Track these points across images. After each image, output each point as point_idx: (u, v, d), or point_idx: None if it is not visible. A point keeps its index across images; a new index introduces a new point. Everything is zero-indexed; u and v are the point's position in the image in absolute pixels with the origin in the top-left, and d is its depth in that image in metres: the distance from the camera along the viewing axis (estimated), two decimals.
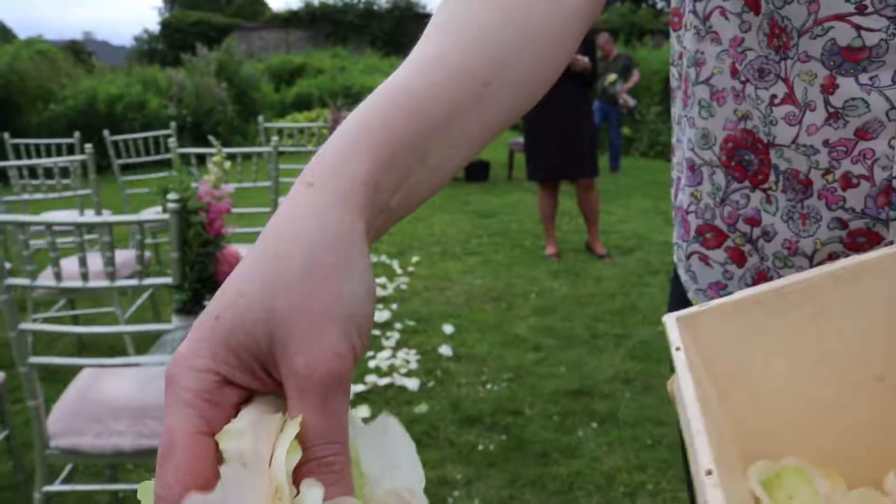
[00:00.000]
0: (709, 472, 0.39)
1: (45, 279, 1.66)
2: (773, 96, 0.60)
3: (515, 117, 0.51)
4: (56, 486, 1.76)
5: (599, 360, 3.28)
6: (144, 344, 3.10)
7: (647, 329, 3.64)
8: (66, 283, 1.58)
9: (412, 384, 3.03)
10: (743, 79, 0.62)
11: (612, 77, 8.39)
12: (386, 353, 3.36)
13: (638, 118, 10.88)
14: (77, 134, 4.62)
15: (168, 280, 1.54)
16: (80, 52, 19.71)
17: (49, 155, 4.59)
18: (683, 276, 0.76)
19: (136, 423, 1.70)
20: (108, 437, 1.69)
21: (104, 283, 1.55)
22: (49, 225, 1.55)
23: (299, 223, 0.36)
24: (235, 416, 0.33)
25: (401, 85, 0.44)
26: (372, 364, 3.25)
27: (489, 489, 2.29)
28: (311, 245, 0.35)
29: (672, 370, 0.50)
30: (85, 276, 1.55)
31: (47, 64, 11.58)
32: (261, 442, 0.31)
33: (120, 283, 1.57)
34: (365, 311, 0.35)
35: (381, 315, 3.88)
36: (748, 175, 0.64)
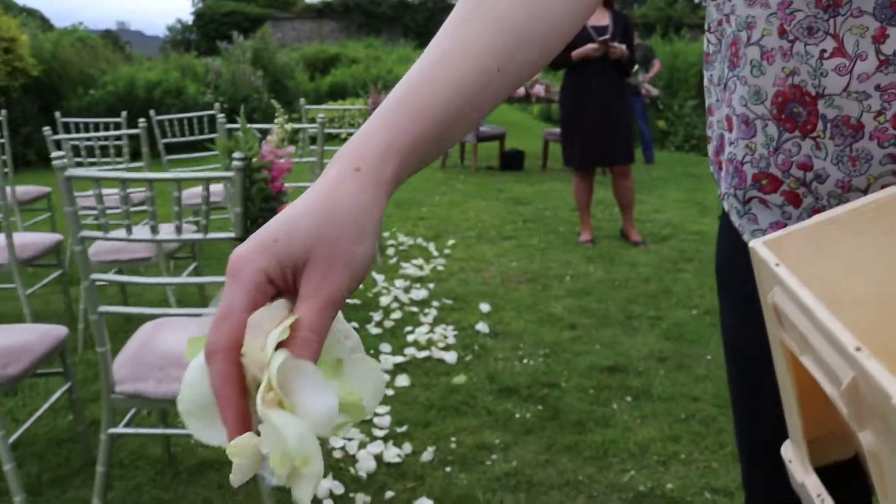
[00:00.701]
0: (858, 349, 0.44)
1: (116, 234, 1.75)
2: (823, 51, 0.66)
3: (520, 86, 0.64)
4: (120, 429, 1.86)
5: (634, 339, 3.33)
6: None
7: (681, 312, 3.68)
8: (136, 236, 1.67)
9: (450, 357, 3.11)
10: (791, 38, 0.68)
11: (634, 68, 8.40)
12: (424, 329, 3.43)
13: (661, 107, 10.85)
14: (124, 113, 4.76)
15: (230, 234, 1.62)
16: (116, 41, 20.02)
17: (98, 132, 4.73)
18: (738, 222, 0.82)
19: None
20: (169, 384, 1.78)
21: (171, 236, 1.64)
22: (123, 180, 1.64)
23: (343, 199, 0.51)
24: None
25: (422, 85, 0.57)
26: (410, 338, 3.33)
27: (526, 454, 2.36)
28: (347, 219, 0.50)
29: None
30: (154, 230, 1.65)
31: (87, 51, 11.81)
32: (269, 322, 0.47)
33: (185, 236, 1.66)
34: (366, 267, 0.52)
35: (419, 293, 3.96)
36: (798, 126, 0.71)
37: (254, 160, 1.56)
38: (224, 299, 0.48)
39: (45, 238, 3.54)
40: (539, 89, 8.97)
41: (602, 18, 4.86)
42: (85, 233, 1.63)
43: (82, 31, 14.08)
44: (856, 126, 0.67)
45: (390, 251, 4.92)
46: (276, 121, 1.72)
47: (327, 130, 3.90)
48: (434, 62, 0.58)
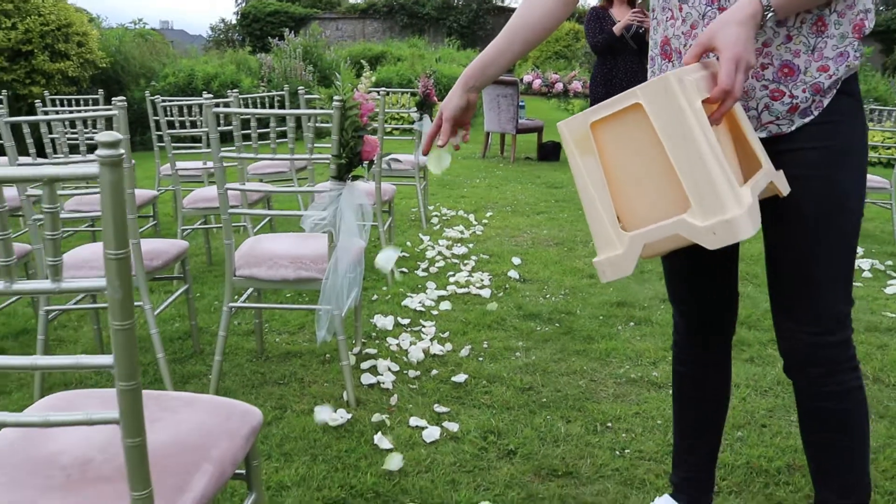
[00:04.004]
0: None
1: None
2: (668, 17, 1.42)
3: (522, 55, 1.60)
4: (237, 304, 2.49)
5: (643, 286, 3.89)
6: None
7: None
8: (258, 154, 2.28)
9: (485, 293, 3.70)
10: (661, 13, 1.46)
11: None
12: (464, 274, 4.03)
13: None
14: (205, 94, 5.43)
15: (328, 156, 2.23)
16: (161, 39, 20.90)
17: (180, 111, 5.40)
18: None
19: (296, 263, 2.41)
20: (276, 270, 2.40)
21: (286, 155, 2.26)
22: (254, 115, 2.26)
23: (454, 92, 1.57)
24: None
25: (483, 53, 1.58)
26: (451, 279, 3.93)
27: (544, 354, 2.95)
28: (456, 98, 1.57)
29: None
30: (273, 151, 2.26)
31: (148, 45, 12.63)
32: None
33: (298, 156, 2.28)
34: (461, 109, 1.57)
35: (460, 250, 4.56)
36: (667, 56, 1.45)
37: (348, 101, 2.17)
38: (440, 120, 1.56)
39: (145, 193, 4.20)
40: (577, 85, 9.54)
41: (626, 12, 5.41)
42: (223, 153, 2.26)
43: (140, 27, 14.99)
44: (680, 51, 1.40)
45: (434, 220, 5.52)
46: (364, 74, 2.33)
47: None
48: (488, 45, 1.56)
